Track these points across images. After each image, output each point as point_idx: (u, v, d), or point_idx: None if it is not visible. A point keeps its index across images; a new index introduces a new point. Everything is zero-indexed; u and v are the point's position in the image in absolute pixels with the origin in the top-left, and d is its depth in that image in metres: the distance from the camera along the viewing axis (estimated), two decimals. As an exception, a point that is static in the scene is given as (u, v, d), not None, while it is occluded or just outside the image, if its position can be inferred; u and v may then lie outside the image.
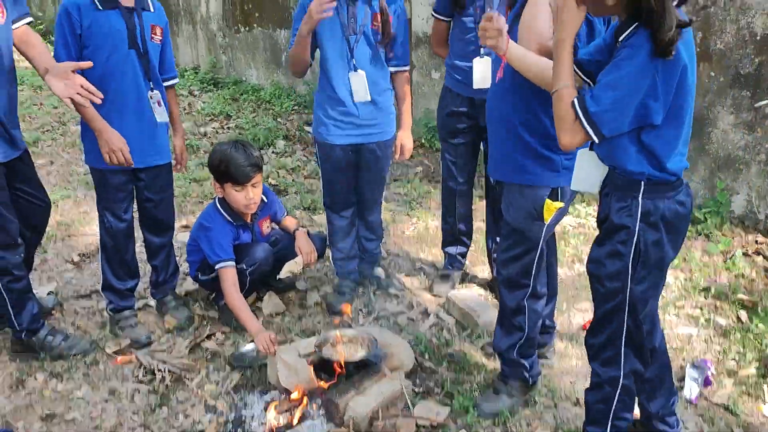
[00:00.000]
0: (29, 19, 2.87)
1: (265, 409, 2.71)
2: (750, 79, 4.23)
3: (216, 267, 3.19)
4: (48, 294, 3.61)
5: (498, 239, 3.55)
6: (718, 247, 4.18)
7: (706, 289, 3.74)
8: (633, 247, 2.01)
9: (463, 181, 3.59)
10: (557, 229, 2.95)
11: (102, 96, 2.62)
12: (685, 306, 3.61)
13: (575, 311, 3.57)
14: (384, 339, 2.97)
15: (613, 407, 2.24)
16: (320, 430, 2.57)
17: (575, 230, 4.38)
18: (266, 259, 3.34)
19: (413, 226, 4.63)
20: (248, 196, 3.22)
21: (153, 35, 2.99)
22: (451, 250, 3.79)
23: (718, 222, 4.43)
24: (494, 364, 3.06)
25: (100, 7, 2.85)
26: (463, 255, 3.82)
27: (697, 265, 4.01)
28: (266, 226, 3.53)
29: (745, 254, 4.15)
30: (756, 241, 4.35)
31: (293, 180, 5.42)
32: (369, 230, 3.64)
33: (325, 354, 2.77)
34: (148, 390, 2.88)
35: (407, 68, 3.32)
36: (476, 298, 3.55)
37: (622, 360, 2.17)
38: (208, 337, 3.27)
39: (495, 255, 3.65)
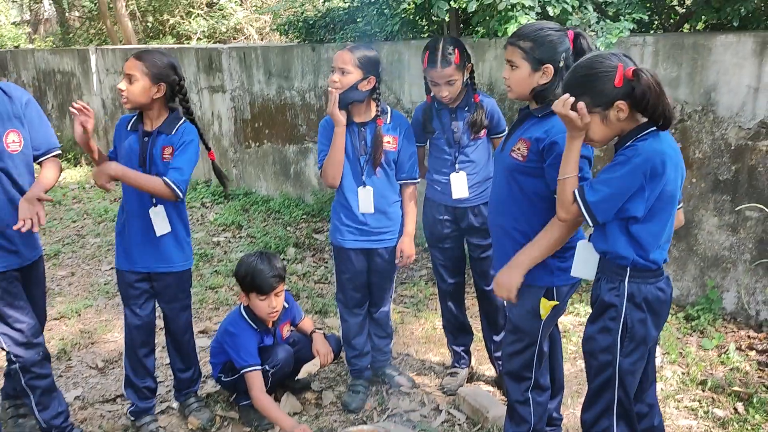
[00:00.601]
0: (55, 152, 3.32)
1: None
2: (729, 184, 4.59)
3: (242, 371, 3.39)
4: (75, 399, 3.78)
5: (494, 338, 3.81)
6: (713, 342, 4.38)
7: (703, 383, 3.92)
8: (621, 324, 2.34)
9: (454, 281, 3.88)
10: (561, 327, 3.18)
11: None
12: (683, 399, 3.78)
13: (579, 405, 3.72)
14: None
15: None
16: None
17: (575, 329, 4.60)
18: (288, 360, 3.56)
19: (421, 327, 4.84)
20: (272, 305, 3.48)
21: (164, 156, 3.23)
22: (456, 346, 3.99)
23: (711, 318, 4.66)
24: (505, 457, 3.20)
25: (128, 128, 3.30)
26: (467, 351, 4.02)
27: (693, 359, 4.20)
28: (286, 330, 3.76)
29: (738, 349, 4.35)
30: (748, 336, 4.55)
31: (304, 285, 5.66)
32: (379, 327, 3.87)
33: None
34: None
35: (415, 181, 3.67)
36: (485, 395, 3.72)
37: (615, 430, 2.43)
38: (230, 437, 3.42)
39: (495, 354, 3.87)
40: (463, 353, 4.00)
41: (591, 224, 2.34)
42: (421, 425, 3.50)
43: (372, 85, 3.38)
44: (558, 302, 2.80)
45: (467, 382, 3.98)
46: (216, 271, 5.94)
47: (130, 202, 3.29)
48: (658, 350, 4.34)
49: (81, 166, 10.46)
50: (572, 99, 2.27)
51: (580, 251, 2.52)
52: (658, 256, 2.34)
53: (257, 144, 8.49)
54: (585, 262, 2.49)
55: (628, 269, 2.33)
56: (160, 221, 3.31)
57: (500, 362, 3.88)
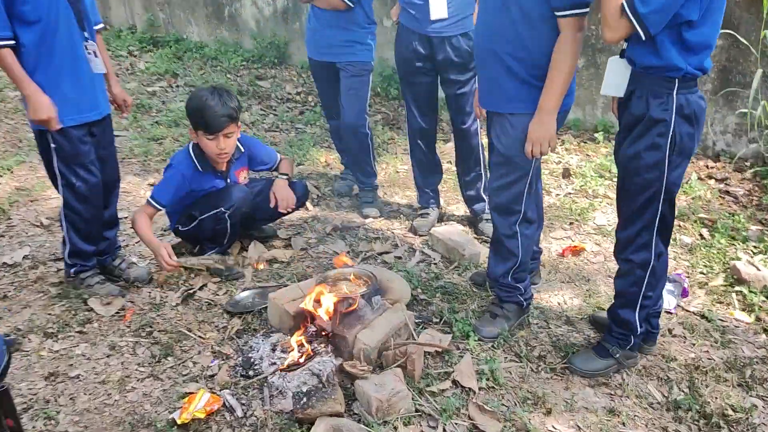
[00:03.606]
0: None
1: (273, 350, 2.76)
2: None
3: (147, 201, 3.23)
4: (24, 258, 3.51)
5: (466, 178, 3.68)
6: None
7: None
8: (669, 139, 2.25)
9: (427, 120, 3.68)
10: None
11: None
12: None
13: (552, 240, 3.73)
14: (381, 275, 3.04)
15: (643, 289, 2.53)
16: (331, 365, 2.64)
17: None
18: (244, 200, 3.33)
19: (383, 172, 4.68)
20: (220, 146, 3.20)
21: None
22: (425, 187, 3.87)
23: (672, 150, 4.66)
24: (484, 293, 3.19)
25: None
26: (436, 192, 3.91)
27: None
28: (243, 177, 3.51)
29: (699, 178, 4.40)
30: (707, 166, 4.61)
31: (254, 134, 5.36)
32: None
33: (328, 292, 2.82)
34: (149, 342, 2.87)
35: None
36: (459, 233, 3.66)
37: (653, 244, 2.45)
38: (200, 288, 3.26)
39: (468, 192, 3.77)
40: (432, 194, 3.89)
41: (644, 37, 2.14)
42: (398, 266, 3.43)
43: None
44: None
45: (438, 222, 3.90)
46: (157, 122, 5.53)
47: (60, 48, 2.76)
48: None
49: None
50: None
51: (611, 68, 2.37)
52: (708, 63, 2.24)
53: (185, -17, 7.71)
54: (616, 79, 2.35)
55: (677, 81, 2.20)
56: (95, 58, 2.92)
57: (473, 203, 3.80)
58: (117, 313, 3.06)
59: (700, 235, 3.74)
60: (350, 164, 4.22)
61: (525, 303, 2.94)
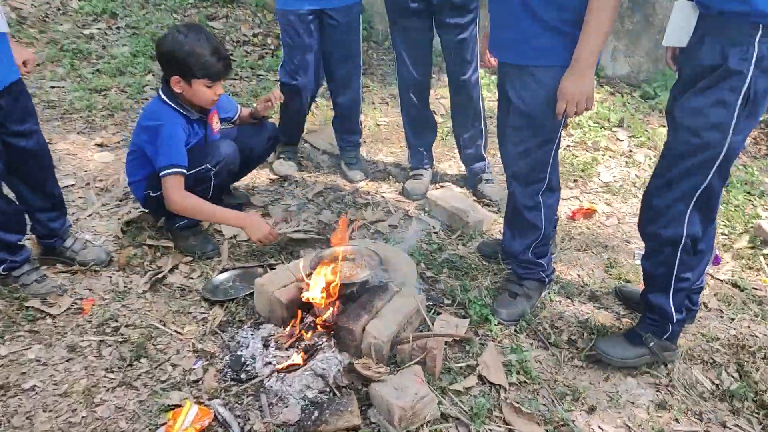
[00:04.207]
0: None
1: (265, 345, 2.38)
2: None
3: (162, 173, 2.68)
4: None
5: (466, 135, 3.29)
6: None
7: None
8: (742, 95, 1.88)
9: (420, 71, 3.23)
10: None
11: None
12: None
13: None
14: (383, 252, 2.65)
15: (675, 269, 2.17)
16: (337, 363, 2.27)
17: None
18: (233, 155, 2.87)
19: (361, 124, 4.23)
20: (218, 92, 2.77)
21: None
22: (418, 146, 3.46)
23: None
24: (495, 265, 2.86)
25: None
26: (430, 150, 3.51)
27: (662, 140, 3.93)
28: (216, 121, 3.02)
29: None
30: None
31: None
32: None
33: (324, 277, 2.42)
34: (116, 341, 2.43)
35: None
36: (458, 197, 3.29)
37: (687, 219, 2.10)
38: (170, 271, 2.81)
39: (467, 151, 3.39)
40: (425, 153, 3.48)
41: None
42: (394, 237, 3.05)
43: None
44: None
45: (431, 184, 3.51)
46: (98, 70, 4.89)
47: None
48: (624, 134, 4.04)
49: None
50: None
51: (676, 14, 2.01)
52: None
53: None
54: (681, 27, 1.99)
55: (761, 27, 1.81)
56: None
57: (471, 162, 3.42)
58: (68, 309, 2.58)
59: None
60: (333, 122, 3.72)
61: (547, 279, 2.62)
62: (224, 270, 2.81)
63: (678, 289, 2.22)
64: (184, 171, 2.70)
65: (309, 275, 2.43)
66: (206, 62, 2.63)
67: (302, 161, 3.75)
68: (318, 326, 2.38)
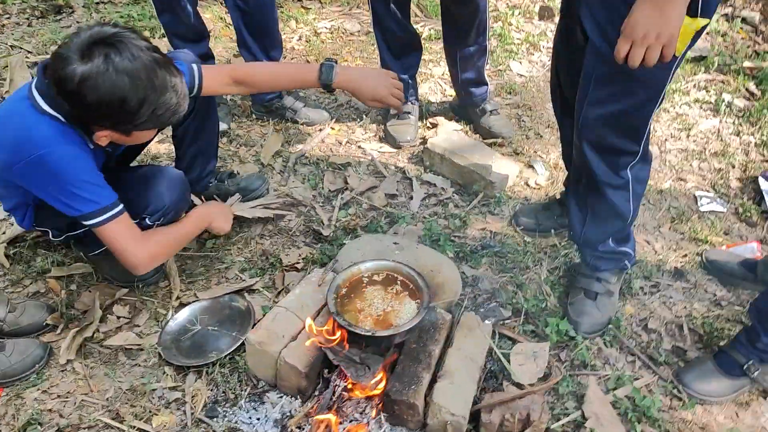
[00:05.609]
0: None
1: (282, 429, 1.63)
2: None
3: (91, 225, 1.67)
4: None
5: (464, 51, 2.48)
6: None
7: (696, 60, 3.06)
8: None
9: None
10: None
11: None
12: (688, 89, 2.91)
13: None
14: (420, 259, 1.88)
15: None
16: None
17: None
18: (182, 199, 1.93)
19: (298, 40, 3.23)
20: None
21: None
22: (401, 72, 2.56)
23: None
24: (544, 241, 2.18)
25: None
26: (414, 78, 2.65)
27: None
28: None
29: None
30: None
31: None
32: None
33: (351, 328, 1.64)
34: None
35: None
36: (467, 142, 2.51)
37: None
38: (102, 319, 1.91)
39: (464, 75, 2.57)
40: (410, 81, 2.62)
41: None
42: (396, 212, 2.25)
43: None
44: (708, 20, 1.48)
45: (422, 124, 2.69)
46: None
47: None
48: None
49: None
50: None
51: None
52: None
53: None
54: None
55: None
56: None
57: (470, 87, 2.61)
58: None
59: (748, 92, 2.89)
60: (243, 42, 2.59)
61: (629, 266, 1.98)
62: (182, 305, 1.96)
63: None
64: (122, 206, 1.70)
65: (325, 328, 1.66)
66: (168, 110, 1.55)
67: (234, 114, 2.77)
68: (355, 392, 1.66)
